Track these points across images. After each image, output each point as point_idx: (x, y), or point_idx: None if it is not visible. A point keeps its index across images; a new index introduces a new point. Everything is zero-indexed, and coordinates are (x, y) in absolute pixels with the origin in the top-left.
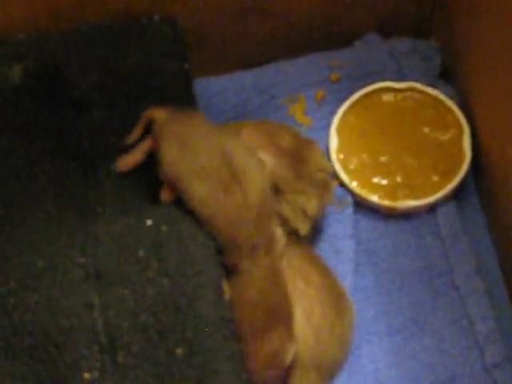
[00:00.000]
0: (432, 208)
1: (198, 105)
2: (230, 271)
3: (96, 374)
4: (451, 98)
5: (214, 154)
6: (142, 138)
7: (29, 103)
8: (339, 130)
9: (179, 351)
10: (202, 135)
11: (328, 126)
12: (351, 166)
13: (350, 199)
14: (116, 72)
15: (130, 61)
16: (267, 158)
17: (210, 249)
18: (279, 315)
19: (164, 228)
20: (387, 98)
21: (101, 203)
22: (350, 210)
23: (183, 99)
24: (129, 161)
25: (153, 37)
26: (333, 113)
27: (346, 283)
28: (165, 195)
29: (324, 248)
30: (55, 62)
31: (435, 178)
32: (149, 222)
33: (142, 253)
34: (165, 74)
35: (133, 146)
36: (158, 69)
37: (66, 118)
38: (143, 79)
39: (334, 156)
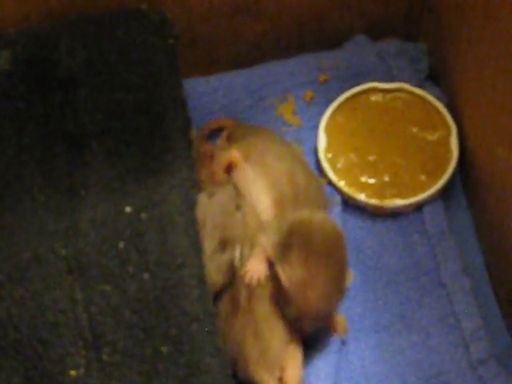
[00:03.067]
0: (419, 207)
1: (188, 104)
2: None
3: (82, 371)
4: (439, 99)
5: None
6: None
7: (19, 89)
8: (327, 130)
9: (164, 349)
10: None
11: (316, 126)
12: (339, 166)
13: (337, 198)
14: (102, 49)
15: (117, 38)
16: None
17: (191, 237)
18: None
19: (143, 215)
20: (375, 98)
21: (85, 185)
22: (338, 208)
23: (168, 73)
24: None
25: (139, 18)
26: (321, 113)
27: None
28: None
29: None
30: (44, 44)
31: (422, 178)
32: (128, 209)
33: (121, 245)
34: (150, 48)
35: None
36: (144, 44)
37: (53, 100)
38: (129, 55)
39: (322, 155)
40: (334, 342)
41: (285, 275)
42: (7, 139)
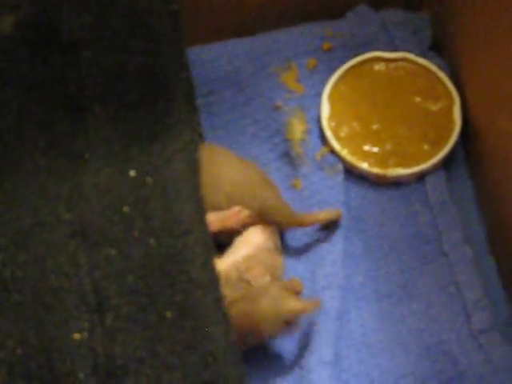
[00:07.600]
0: (421, 176)
1: (192, 72)
2: None
3: (85, 334)
4: (442, 69)
5: None
6: None
7: (21, 53)
8: (331, 98)
9: (168, 315)
10: None
11: (320, 94)
12: (342, 134)
13: (340, 166)
14: (106, 13)
15: (120, 2)
16: None
17: (196, 202)
18: None
19: (148, 179)
20: (379, 67)
21: (88, 149)
22: (340, 176)
23: (171, 37)
24: None
25: None
26: (324, 81)
27: (337, 250)
28: None
29: None
30: (46, 8)
31: (425, 147)
32: (132, 173)
33: (126, 209)
34: (153, 13)
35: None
36: (148, 9)
37: (56, 64)
38: (132, 18)
39: (325, 123)
40: (334, 308)
41: None
42: (9, 103)
